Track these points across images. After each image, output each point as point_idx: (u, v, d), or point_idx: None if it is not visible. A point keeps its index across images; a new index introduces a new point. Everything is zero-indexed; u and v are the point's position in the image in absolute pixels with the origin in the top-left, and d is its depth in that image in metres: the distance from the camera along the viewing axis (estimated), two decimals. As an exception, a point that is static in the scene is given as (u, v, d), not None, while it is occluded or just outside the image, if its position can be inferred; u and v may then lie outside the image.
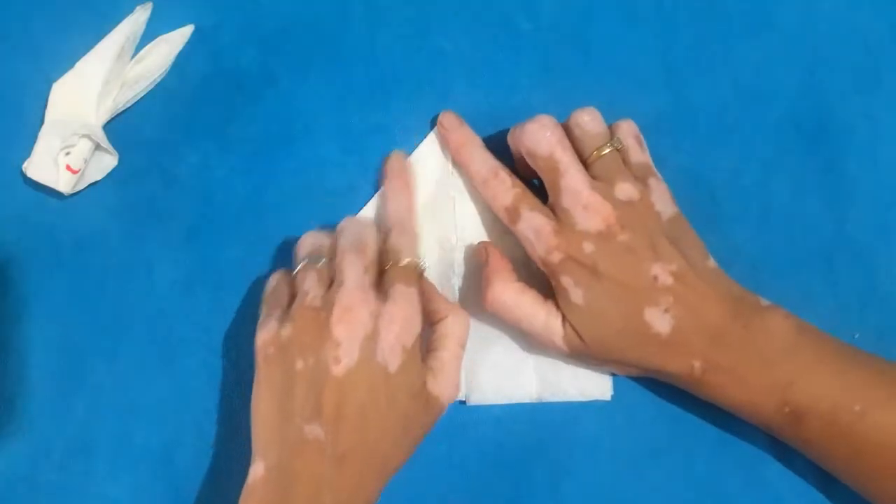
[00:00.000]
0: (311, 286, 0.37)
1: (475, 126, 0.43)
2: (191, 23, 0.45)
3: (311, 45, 0.45)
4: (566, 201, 0.38)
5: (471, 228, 0.43)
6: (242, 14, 0.45)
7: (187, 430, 0.42)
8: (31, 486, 0.41)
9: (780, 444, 0.41)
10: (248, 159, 0.44)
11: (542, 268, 0.39)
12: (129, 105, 0.44)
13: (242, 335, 0.42)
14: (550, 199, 0.39)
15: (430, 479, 0.41)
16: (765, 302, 0.38)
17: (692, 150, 0.44)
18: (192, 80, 0.45)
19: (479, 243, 0.42)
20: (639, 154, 0.40)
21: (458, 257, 0.43)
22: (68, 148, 0.42)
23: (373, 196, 0.43)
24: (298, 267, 0.38)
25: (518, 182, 0.40)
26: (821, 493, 0.41)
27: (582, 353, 0.39)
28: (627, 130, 0.40)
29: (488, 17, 0.45)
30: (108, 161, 0.43)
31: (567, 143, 0.39)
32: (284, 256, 0.43)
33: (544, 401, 0.41)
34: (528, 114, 0.44)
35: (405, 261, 0.38)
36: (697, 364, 0.37)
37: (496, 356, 0.42)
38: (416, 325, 0.36)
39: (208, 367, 0.42)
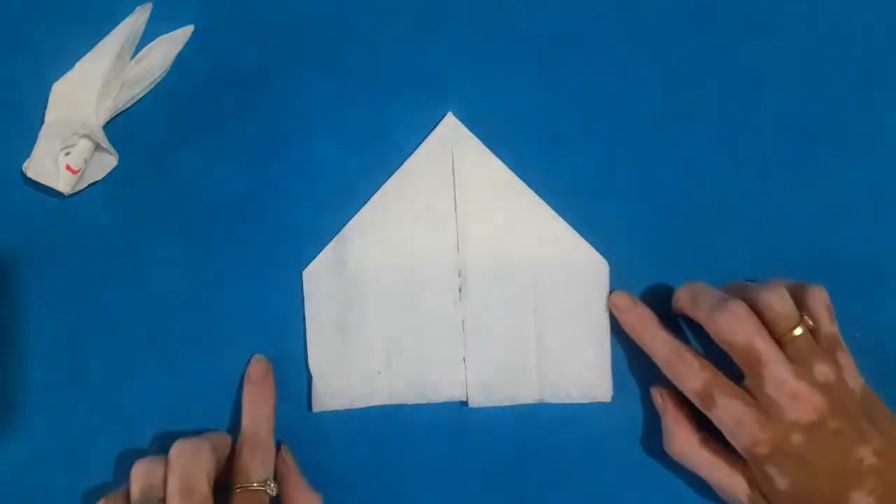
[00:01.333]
0: None
1: (475, 126, 0.43)
2: (191, 23, 0.45)
3: (311, 45, 0.45)
4: (771, 391, 0.37)
5: (474, 233, 0.43)
6: (242, 14, 0.45)
7: (187, 430, 0.42)
8: (31, 486, 0.41)
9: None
10: (248, 159, 0.44)
11: (742, 454, 0.38)
12: (129, 105, 0.44)
13: (242, 335, 0.42)
14: (749, 382, 0.38)
15: (430, 480, 0.41)
16: None
17: (692, 150, 0.44)
18: (192, 80, 0.45)
19: (654, 389, 0.41)
20: (829, 326, 0.39)
21: (462, 263, 0.42)
22: (68, 148, 0.42)
23: (372, 196, 0.43)
24: None
25: (705, 364, 0.39)
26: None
27: None
28: (819, 302, 0.39)
29: (488, 17, 0.45)
30: (108, 161, 0.43)
31: (765, 332, 0.38)
32: (285, 257, 0.43)
33: (545, 402, 0.41)
34: (528, 114, 0.44)
35: (253, 485, 0.37)
36: None
37: (497, 358, 0.42)
38: None
39: (208, 367, 0.42)
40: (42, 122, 0.43)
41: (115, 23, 0.43)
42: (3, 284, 0.42)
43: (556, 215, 0.43)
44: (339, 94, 0.44)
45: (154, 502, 0.35)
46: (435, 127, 0.44)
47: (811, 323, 0.39)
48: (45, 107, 0.43)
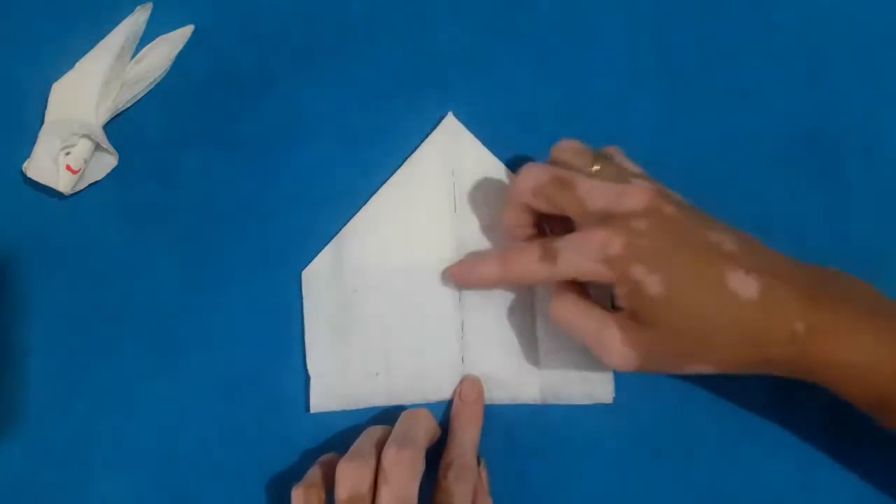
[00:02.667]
0: None
1: (475, 126, 0.43)
2: (191, 23, 0.45)
3: (311, 45, 0.45)
4: (595, 203, 0.35)
5: (472, 233, 0.43)
6: (242, 14, 0.45)
7: (187, 430, 0.42)
8: (31, 486, 0.41)
9: (779, 443, 0.41)
10: (248, 159, 0.44)
11: (607, 279, 0.35)
12: (129, 105, 0.44)
13: (241, 335, 0.42)
14: (578, 220, 0.36)
15: (429, 479, 0.41)
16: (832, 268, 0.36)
17: (692, 150, 0.44)
18: (192, 80, 0.45)
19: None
20: (632, 166, 0.38)
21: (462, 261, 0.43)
22: (68, 148, 0.42)
23: (372, 196, 0.43)
24: None
25: (520, 243, 0.38)
26: (821, 492, 0.41)
27: (655, 361, 0.35)
28: (610, 148, 0.39)
29: (488, 17, 0.45)
30: (108, 161, 0.43)
31: (567, 162, 0.37)
32: (285, 257, 0.43)
33: (546, 403, 0.41)
34: (528, 114, 0.44)
35: None
36: (800, 326, 0.33)
37: (496, 358, 0.42)
38: None
39: (208, 367, 0.42)
40: (42, 122, 0.43)
41: (115, 23, 0.43)
42: (3, 284, 0.43)
43: (555, 215, 0.43)
44: (339, 94, 0.44)
45: None
46: (435, 127, 0.44)
47: (610, 156, 0.38)
48: (45, 107, 0.43)
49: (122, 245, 0.43)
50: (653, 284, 0.34)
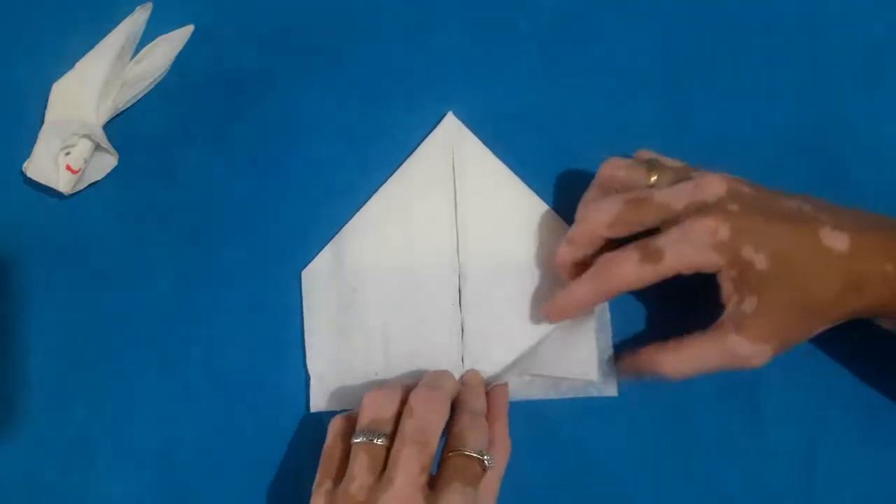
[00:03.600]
0: (359, 471, 0.34)
1: (475, 126, 0.43)
2: (191, 23, 0.45)
3: (311, 45, 0.45)
4: (678, 203, 0.36)
5: (473, 233, 0.43)
6: (242, 14, 0.45)
7: (187, 430, 0.42)
8: (31, 486, 0.41)
9: (780, 444, 0.41)
10: (248, 159, 0.44)
11: (715, 266, 0.35)
12: (129, 105, 0.44)
13: (241, 335, 0.42)
14: (663, 226, 0.36)
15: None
16: None
17: (692, 150, 0.44)
18: (192, 80, 0.45)
19: (617, 363, 0.40)
20: (676, 162, 0.39)
21: (461, 263, 0.42)
22: (68, 148, 0.42)
23: (372, 195, 0.43)
24: (356, 438, 0.35)
25: (624, 248, 0.37)
26: (821, 493, 0.41)
27: (785, 338, 0.36)
28: (646, 153, 0.40)
29: (488, 17, 0.45)
30: (108, 161, 0.43)
31: (625, 180, 0.38)
32: (285, 256, 0.43)
33: (549, 398, 0.41)
34: (528, 114, 0.44)
35: (470, 450, 0.35)
36: (890, 267, 0.35)
37: (496, 358, 0.42)
38: None
39: (208, 367, 0.42)
40: (42, 122, 0.43)
41: (115, 23, 0.43)
42: (3, 284, 0.43)
43: (555, 215, 0.43)
44: (339, 94, 0.44)
45: (380, 437, 0.35)
46: (435, 126, 0.44)
47: (657, 163, 0.38)
48: (45, 107, 0.43)
49: (122, 245, 0.43)
50: (760, 261, 0.35)
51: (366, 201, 0.43)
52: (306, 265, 0.43)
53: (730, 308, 0.36)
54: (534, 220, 0.43)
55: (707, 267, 0.36)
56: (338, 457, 0.36)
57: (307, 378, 0.42)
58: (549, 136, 0.44)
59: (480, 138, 0.43)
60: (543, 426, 0.42)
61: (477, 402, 0.38)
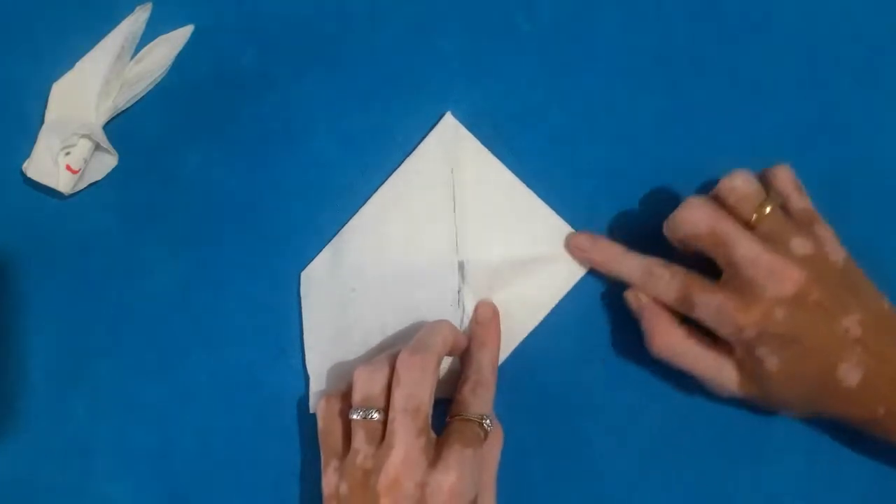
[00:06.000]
0: (361, 444, 0.35)
1: (475, 126, 0.43)
2: (191, 23, 0.45)
3: (311, 45, 0.45)
4: (746, 271, 0.36)
5: (472, 233, 0.43)
6: (242, 14, 0.45)
7: (187, 430, 0.42)
8: (31, 486, 0.41)
9: (779, 444, 0.41)
10: (248, 159, 0.44)
11: (732, 344, 0.37)
12: (129, 105, 0.44)
13: (241, 335, 0.42)
14: (726, 274, 0.37)
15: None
16: None
17: (692, 150, 0.44)
18: (192, 80, 0.45)
19: (628, 292, 0.40)
20: (799, 201, 0.38)
21: (460, 263, 0.42)
22: (68, 148, 0.42)
23: (371, 195, 0.43)
24: (353, 415, 0.36)
25: (677, 270, 0.38)
26: (820, 493, 0.41)
27: (755, 402, 0.38)
28: (785, 179, 0.39)
29: (488, 17, 0.45)
30: (108, 161, 0.43)
31: (724, 213, 0.37)
32: (285, 256, 0.43)
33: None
34: (527, 114, 0.44)
35: (470, 414, 0.37)
36: (881, 410, 0.36)
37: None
38: (465, 496, 0.34)
39: (208, 367, 0.42)
40: (42, 122, 0.43)
41: (115, 23, 0.43)
42: (3, 284, 0.43)
43: (555, 215, 0.43)
44: (338, 94, 0.44)
45: (375, 411, 0.36)
46: (434, 127, 0.44)
47: (780, 200, 0.38)
48: (45, 107, 0.43)
49: (122, 245, 0.43)
50: (770, 363, 0.36)
51: (365, 202, 0.43)
52: (305, 265, 0.43)
53: (738, 351, 0.37)
54: (533, 219, 0.43)
55: (726, 338, 0.37)
56: (338, 435, 0.37)
57: (306, 378, 0.42)
58: (549, 136, 0.44)
59: (479, 138, 0.43)
60: (543, 425, 0.42)
61: (483, 357, 0.39)
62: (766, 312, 0.36)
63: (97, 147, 0.42)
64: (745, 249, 0.36)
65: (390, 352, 0.38)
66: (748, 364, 0.37)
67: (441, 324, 0.39)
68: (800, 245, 0.36)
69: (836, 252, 0.37)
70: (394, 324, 0.42)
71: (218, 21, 0.45)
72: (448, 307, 0.42)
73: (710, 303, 0.37)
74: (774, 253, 0.36)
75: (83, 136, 0.42)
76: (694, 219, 0.37)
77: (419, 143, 0.43)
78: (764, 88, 0.44)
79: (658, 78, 0.44)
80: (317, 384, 0.42)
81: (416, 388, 0.35)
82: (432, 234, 0.43)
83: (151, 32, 0.44)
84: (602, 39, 0.45)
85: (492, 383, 0.39)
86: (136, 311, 0.43)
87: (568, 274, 0.42)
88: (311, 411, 0.41)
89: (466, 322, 0.42)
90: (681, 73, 0.44)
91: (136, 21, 0.44)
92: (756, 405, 0.39)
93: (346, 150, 0.44)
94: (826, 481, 0.41)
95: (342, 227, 0.43)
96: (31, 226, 0.43)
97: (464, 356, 0.40)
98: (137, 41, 0.44)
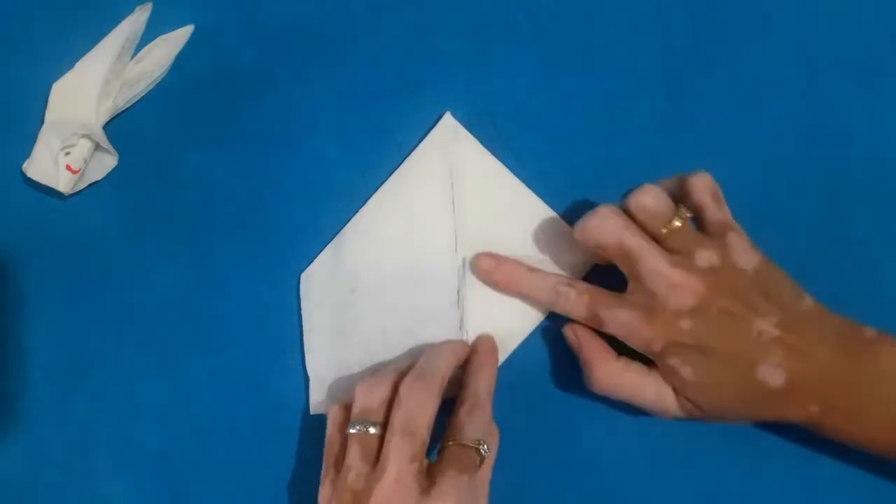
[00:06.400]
0: (354, 461, 0.35)
1: (474, 126, 0.43)
2: (191, 23, 0.45)
3: (311, 45, 0.45)
4: (650, 284, 0.37)
5: (472, 233, 0.43)
6: (242, 14, 0.45)
7: (187, 430, 0.42)
8: (31, 486, 0.41)
9: (780, 444, 0.41)
10: (248, 159, 0.44)
11: (648, 355, 0.38)
12: (129, 105, 0.44)
13: (240, 336, 0.42)
14: (631, 286, 0.38)
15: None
16: (870, 332, 0.37)
17: (692, 150, 0.44)
18: (192, 80, 0.45)
19: (566, 327, 0.40)
20: (715, 212, 0.38)
21: (460, 263, 0.42)
22: (68, 148, 0.42)
23: (371, 196, 0.43)
24: (350, 429, 0.36)
25: (583, 287, 0.39)
26: (821, 493, 0.41)
27: (699, 418, 0.38)
28: (702, 188, 0.39)
29: (488, 17, 0.45)
30: (108, 161, 0.43)
31: (633, 227, 0.37)
32: (285, 257, 0.43)
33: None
34: (527, 114, 0.44)
35: (466, 440, 0.36)
36: (815, 409, 0.36)
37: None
38: None
39: (208, 367, 0.42)
40: (42, 122, 0.43)
41: (115, 23, 0.43)
42: (3, 284, 0.43)
43: (555, 215, 0.43)
44: (338, 94, 0.44)
45: (371, 425, 0.36)
46: (433, 127, 0.44)
47: (688, 214, 0.38)
48: (45, 107, 0.43)
49: (122, 245, 0.43)
50: (686, 372, 0.37)
51: (365, 202, 0.43)
52: (305, 266, 0.43)
53: (670, 378, 0.38)
54: (532, 219, 0.43)
55: (640, 351, 0.38)
56: (338, 447, 0.37)
57: (306, 379, 0.42)
58: (548, 136, 0.44)
59: (479, 138, 0.43)
60: (542, 425, 0.42)
61: (480, 381, 0.39)
62: (670, 324, 0.36)
63: (97, 147, 0.42)
64: (650, 264, 0.37)
65: (396, 367, 0.38)
66: (666, 375, 0.37)
67: (445, 347, 0.39)
68: (705, 257, 0.37)
69: (747, 259, 0.37)
70: (394, 324, 0.42)
71: (218, 21, 0.45)
72: (448, 307, 0.42)
73: (616, 318, 0.38)
74: (677, 267, 0.36)
75: (83, 136, 0.42)
76: (603, 229, 0.38)
77: (419, 143, 0.43)
78: (764, 88, 0.44)
79: (658, 78, 0.44)
80: (317, 385, 0.42)
81: (417, 412, 0.35)
82: (432, 234, 0.43)
83: (151, 32, 0.44)
84: (602, 39, 0.45)
85: (488, 407, 0.38)
86: (136, 311, 0.43)
87: (568, 274, 0.42)
88: (312, 412, 0.41)
89: (466, 322, 0.42)
90: (681, 73, 0.44)
91: (136, 21, 0.44)
92: (702, 421, 0.39)
93: (346, 150, 0.44)
94: (826, 481, 0.41)
95: (342, 227, 0.43)
96: (31, 226, 0.43)
97: (464, 382, 0.39)
98: (137, 41, 0.44)
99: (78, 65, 0.43)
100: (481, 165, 0.43)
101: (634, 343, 0.37)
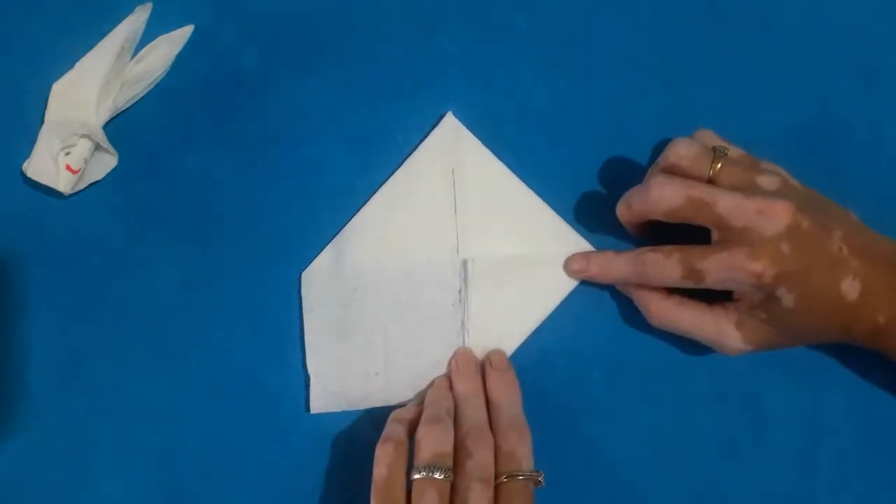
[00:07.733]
0: None
1: (475, 126, 0.43)
2: (191, 23, 0.45)
3: (311, 45, 0.45)
4: (738, 221, 0.36)
5: (473, 233, 0.43)
6: (242, 14, 0.45)
7: (187, 430, 0.42)
8: (31, 485, 0.41)
9: (780, 444, 0.41)
10: (247, 159, 0.44)
11: (756, 296, 0.37)
12: (129, 105, 0.44)
13: (241, 336, 0.42)
14: (717, 233, 0.37)
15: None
16: None
17: (692, 150, 0.44)
18: (192, 80, 0.45)
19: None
20: (736, 150, 0.40)
21: (461, 263, 0.42)
22: (68, 148, 0.42)
23: (372, 196, 0.43)
24: (417, 475, 0.36)
25: (669, 248, 0.38)
26: (821, 493, 0.41)
27: (769, 349, 0.39)
28: (713, 138, 0.40)
29: (488, 17, 0.45)
30: (108, 161, 0.43)
31: (690, 181, 0.38)
32: (285, 257, 0.43)
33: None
34: (527, 113, 0.44)
35: (526, 473, 0.36)
36: (882, 318, 0.37)
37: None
38: None
39: (208, 366, 0.42)
40: (42, 122, 0.43)
41: (115, 23, 0.43)
42: (3, 284, 0.43)
43: (555, 215, 0.43)
44: (339, 94, 0.44)
45: (444, 471, 0.35)
46: (434, 126, 0.44)
47: (726, 149, 0.39)
48: (45, 107, 0.43)
49: (122, 245, 0.43)
50: (788, 300, 0.37)
51: (365, 202, 0.43)
52: (306, 265, 0.43)
53: (740, 304, 0.38)
54: (533, 219, 0.43)
55: (742, 293, 0.38)
56: (399, 489, 0.36)
57: (307, 378, 0.42)
58: (549, 136, 0.44)
59: (480, 138, 0.43)
60: (544, 425, 0.42)
61: (515, 404, 0.39)
62: (775, 250, 0.36)
63: (97, 147, 0.42)
64: (728, 202, 0.36)
65: (441, 408, 0.38)
66: (764, 305, 0.37)
67: (477, 401, 0.39)
68: (768, 182, 0.37)
69: (794, 180, 0.38)
70: (395, 324, 0.42)
71: (218, 21, 0.45)
72: (450, 307, 0.42)
73: (718, 263, 0.37)
74: (755, 195, 0.36)
75: (83, 136, 0.42)
76: (665, 194, 0.38)
77: (420, 143, 0.43)
78: (764, 88, 0.44)
79: (658, 78, 0.44)
80: (317, 384, 0.42)
81: (487, 462, 0.36)
82: (433, 234, 0.43)
83: (151, 32, 0.44)
84: (602, 39, 0.45)
85: (528, 429, 0.38)
86: (136, 311, 0.43)
87: (567, 275, 0.42)
88: (312, 411, 0.41)
89: (468, 322, 0.42)
90: (681, 73, 0.44)
91: (136, 21, 0.44)
92: (763, 350, 0.39)
93: (346, 150, 0.44)
94: (826, 481, 0.41)
95: (343, 227, 0.43)
96: (31, 226, 0.43)
97: (492, 409, 0.39)
98: (137, 41, 0.44)
99: (78, 65, 0.43)
100: (483, 166, 0.43)
101: (744, 283, 0.37)
